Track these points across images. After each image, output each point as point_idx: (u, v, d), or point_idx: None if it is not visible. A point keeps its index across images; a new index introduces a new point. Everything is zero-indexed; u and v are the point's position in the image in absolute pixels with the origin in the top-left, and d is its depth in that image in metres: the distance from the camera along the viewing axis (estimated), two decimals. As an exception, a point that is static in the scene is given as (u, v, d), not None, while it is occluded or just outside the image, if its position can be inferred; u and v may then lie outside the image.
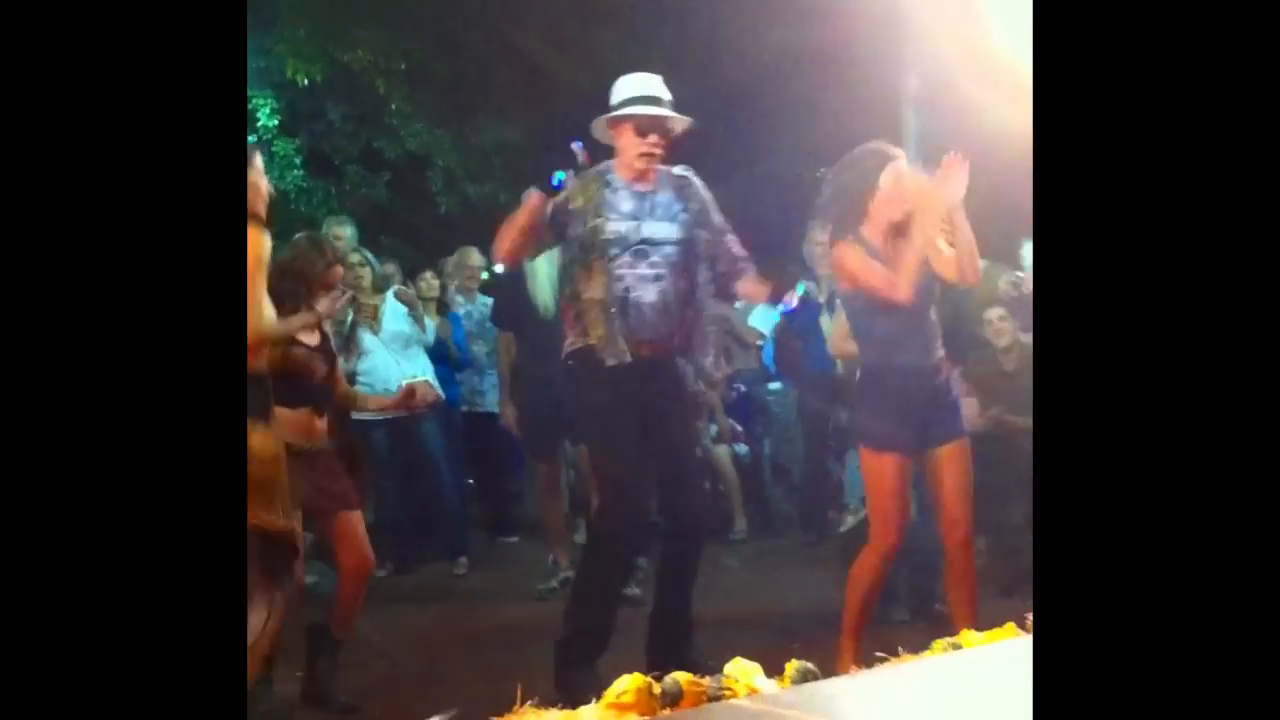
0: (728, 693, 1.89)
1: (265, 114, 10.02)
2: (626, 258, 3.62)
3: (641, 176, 3.71)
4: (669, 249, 3.68)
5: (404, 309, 5.96)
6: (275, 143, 10.12)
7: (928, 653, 2.31)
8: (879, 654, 2.57)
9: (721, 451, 7.35)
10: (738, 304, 6.25)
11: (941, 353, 3.67)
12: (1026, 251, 5.93)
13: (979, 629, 2.35)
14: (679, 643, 3.60)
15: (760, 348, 7.67)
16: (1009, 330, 5.35)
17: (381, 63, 9.59)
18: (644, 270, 3.64)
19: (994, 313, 5.35)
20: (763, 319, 7.61)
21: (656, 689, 1.86)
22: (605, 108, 3.78)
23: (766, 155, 9.50)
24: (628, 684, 1.86)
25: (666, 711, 1.84)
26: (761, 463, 7.47)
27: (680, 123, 3.75)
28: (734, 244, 3.83)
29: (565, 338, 3.73)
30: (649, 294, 3.63)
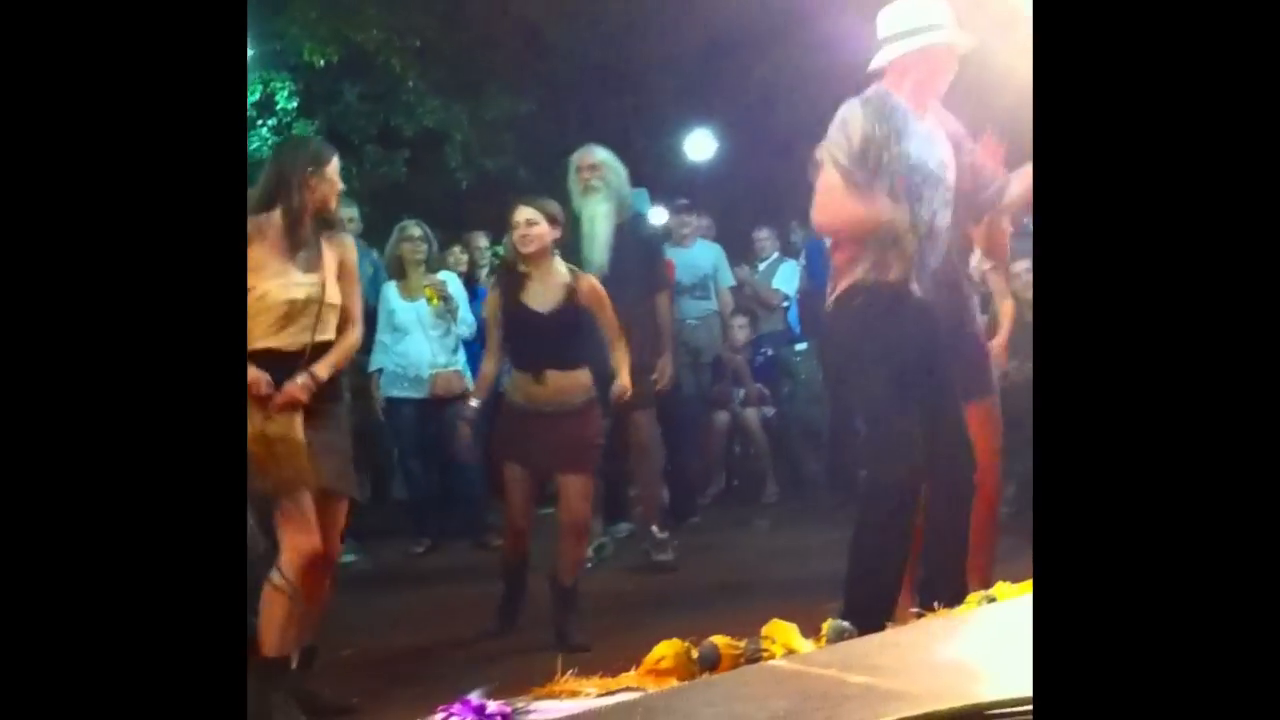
0: (765, 654, 1.91)
1: (284, 97, 10.01)
2: (928, 188, 3.43)
3: (923, 105, 3.51)
4: (951, 176, 3.52)
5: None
6: (294, 125, 10.12)
7: (962, 607, 2.32)
8: (914, 610, 2.58)
9: (750, 415, 7.38)
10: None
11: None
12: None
13: (1010, 581, 2.36)
14: (954, 571, 3.42)
15: (785, 309, 7.66)
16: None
17: (395, 40, 9.57)
18: (945, 195, 3.48)
19: (1020, 265, 5.32)
20: (786, 280, 7.59)
21: (694, 653, 1.88)
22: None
23: (783, 108, 9.41)
24: (666, 650, 1.88)
25: (705, 675, 1.86)
26: (790, 425, 7.48)
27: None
28: (990, 156, 3.65)
29: (842, 274, 3.46)
30: (944, 219, 3.48)
